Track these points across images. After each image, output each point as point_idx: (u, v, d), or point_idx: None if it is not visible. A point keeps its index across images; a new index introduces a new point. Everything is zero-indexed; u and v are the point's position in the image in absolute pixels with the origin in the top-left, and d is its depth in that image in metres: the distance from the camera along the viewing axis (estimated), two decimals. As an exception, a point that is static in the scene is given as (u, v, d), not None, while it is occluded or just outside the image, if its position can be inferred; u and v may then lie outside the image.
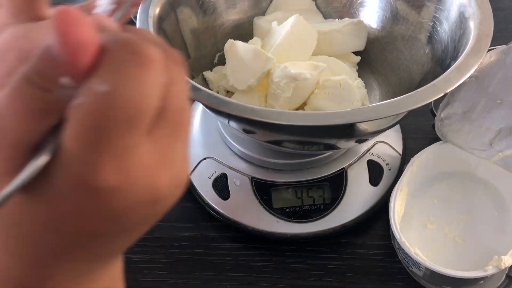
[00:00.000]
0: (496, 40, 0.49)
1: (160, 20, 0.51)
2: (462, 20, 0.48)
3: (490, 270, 0.45)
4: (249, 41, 0.57)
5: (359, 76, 0.58)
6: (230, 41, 0.54)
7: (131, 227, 0.23)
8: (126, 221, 0.22)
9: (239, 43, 0.53)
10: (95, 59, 0.19)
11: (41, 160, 0.20)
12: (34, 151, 0.20)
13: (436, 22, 0.52)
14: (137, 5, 0.30)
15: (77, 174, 0.19)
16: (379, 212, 0.54)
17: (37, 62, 0.20)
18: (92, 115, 0.19)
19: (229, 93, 0.56)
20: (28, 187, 0.20)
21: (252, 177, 0.54)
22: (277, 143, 0.49)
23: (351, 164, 0.55)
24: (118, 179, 0.20)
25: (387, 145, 0.57)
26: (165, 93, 0.20)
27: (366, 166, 0.55)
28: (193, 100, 0.60)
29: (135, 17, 0.51)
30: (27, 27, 0.28)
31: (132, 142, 0.20)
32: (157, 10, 0.51)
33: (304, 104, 0.54)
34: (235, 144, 0.56)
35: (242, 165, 0.55)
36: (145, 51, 0.20)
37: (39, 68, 0.20)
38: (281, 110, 0.41)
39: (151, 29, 0.49)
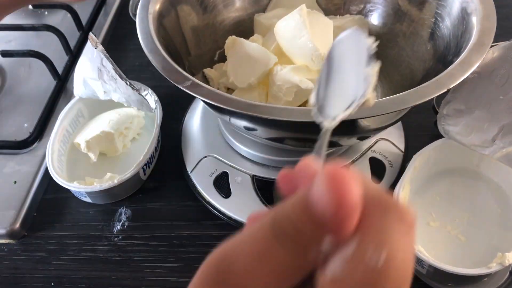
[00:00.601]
0: (499, 38, 0.49)
1: (160, 17, 0.51)
2: (464, 15, 0.48)
3: (493, 267, 0.44)
4: (250, 38, 0.57)
5: (361, 73, 0.58)
6: (232, 37, 0.54)
7: None
8: None
9: (241, 40, 0.53)
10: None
11: None
12: None
13: (438, 18, 0.52)
14: None
15: None
16: (382, 209, 0.54)
17: (294, 219, 0.18)
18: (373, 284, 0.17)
19: (229, 90, 0.56)
20: None
21: (253, 175, 0.54)
22: (279, 140, 0.49)
23: (353, 162, 0.54)
24: None
25: (389, 143, 0.57)
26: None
27: (368, 163, 0.55)
28: (193, 97, 0.59)
29: (134, 15, 0.51)
30: None
31: None
32: (157, 7, 0.51)
33: (306, 102, 0.53)
34: (236, 142, 0.55)
35: (243, 163, 0.55)
36: (409, 216, 0.18)
37: (297, 225, 0.18)
38: (283, 106, 0.41)
39: (151, 26, 0.48)
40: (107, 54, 0.56)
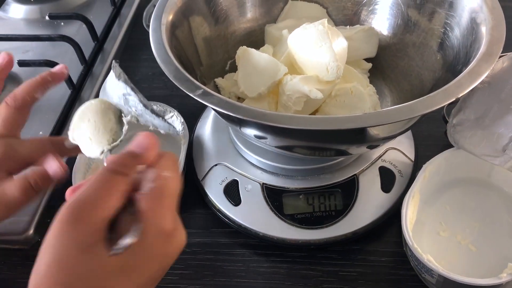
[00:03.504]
0: (510, 48, 0.49)
1: (173, 28, 0.52)
2: (473, 26, 0.48)
3: (504, 277, 0.44)
4: (261, 48, 0.58)
5: (371, 82, 0.58)
6: (243, 47, 0.54)
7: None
8: (172, 259, 0.34)
9: (251, 50, 0.54)
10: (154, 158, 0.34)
11: (139, 226, 0.31)
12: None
13: (448, 28, 0.52)
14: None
15: (156, 225, 0.31)
16: (391, 218, 0.54)
17: (122, 158, 0.33)
18: (163, 189, 0.32)
19: (239, 99, 0.57)
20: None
21: (263, 183, 0.54)
22: (289, 148, 0.50)
23: (363, 171, 0.55)
24: (173, 225, 0.33)
25: (399, 152, 0.57)
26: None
27: (378, 172, 0.55)
28: (205, 106, 0.60)
29: (148, 26, 0.52)
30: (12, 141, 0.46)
31: (174, 203, 0.33)
32: (170, 18, 0.52)
33: (316, 111, 0.54)
34: (246, 150, 0.56)
35: (253, 171, 0.55)
36: (173, 156, 0.35)
37: (124, 161, 0.33)
38: (292, 115, 0.41)
39: (164, 36, 0.49)
40: (132, 85, 0.54)
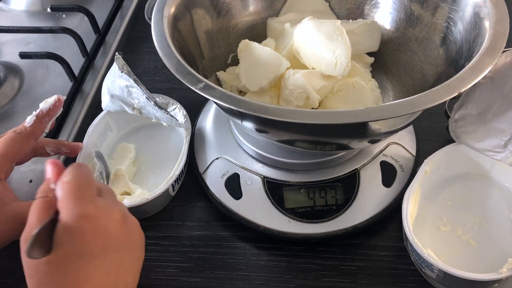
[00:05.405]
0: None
1: (175, 20, 0.52)
2: (477, 20, 0.48)
3: (504, 272, 0.44)
4: (263, 42, 0.57)
5: (373, 77, 0.58)
6: (245, 41, 0.54)
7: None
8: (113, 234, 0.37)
9: (253, 44, 0.54)
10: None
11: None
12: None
13: (451, 22, 0.52)
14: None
15: (69, 211, 0.36)
16: (392, 213, 0.54)
17: (44, 186, 0.39)
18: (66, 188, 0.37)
19: (241, 93, 0.57)
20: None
21: (264, 177, 0.54)
22: (290, 142, 0.49)
23: (364, 165, 0.54)
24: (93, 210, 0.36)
25: (401, 147, 0.57)
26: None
27: (379, 167, 0.55)
28: (206, 99, 0.60)
29: (150, 18, 0.52)
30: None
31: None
32: (172, 10, 0.52)
33: (318, 105, 0.54)
34: (247, 144, 0.56)
35: (254, 165, 0.56)
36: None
37: (44, 187, 0.38)
38: (294, 109, 0.41)
39: (166, 29, 0.49)
40: (135, 77, 0.54)
